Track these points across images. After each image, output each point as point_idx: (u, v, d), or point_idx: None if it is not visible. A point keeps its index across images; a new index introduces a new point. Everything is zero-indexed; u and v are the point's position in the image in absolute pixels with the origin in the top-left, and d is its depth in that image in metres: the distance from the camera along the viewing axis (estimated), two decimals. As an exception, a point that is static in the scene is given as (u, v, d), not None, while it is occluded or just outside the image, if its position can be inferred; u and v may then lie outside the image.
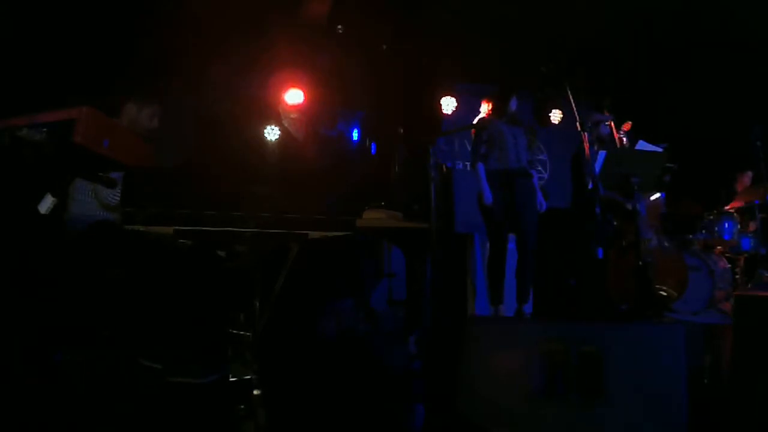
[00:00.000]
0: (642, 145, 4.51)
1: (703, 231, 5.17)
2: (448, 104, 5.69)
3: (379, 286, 5.02)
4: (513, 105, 4.27)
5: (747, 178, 5.71)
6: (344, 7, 5.19)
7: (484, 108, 4.33)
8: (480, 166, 4.13)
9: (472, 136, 4.33)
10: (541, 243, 4.15)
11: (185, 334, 2.90)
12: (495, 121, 4.25)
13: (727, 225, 5.08)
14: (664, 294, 4.52)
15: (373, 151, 5.59)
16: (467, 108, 5.78)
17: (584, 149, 3.79)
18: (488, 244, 5.05)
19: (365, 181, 5.22)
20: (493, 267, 4.15)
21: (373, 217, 3.70)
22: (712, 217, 5.16)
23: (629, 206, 3.93)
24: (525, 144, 4.27)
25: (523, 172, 4.18)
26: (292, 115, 5.18)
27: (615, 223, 4.63)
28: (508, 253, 4.18)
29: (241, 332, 2.68)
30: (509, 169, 4.12)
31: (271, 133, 4.96)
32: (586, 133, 3.69)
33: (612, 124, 4.81)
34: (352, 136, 5.68)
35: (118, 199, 2.94)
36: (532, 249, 4.07)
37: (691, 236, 5.18)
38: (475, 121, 4.32)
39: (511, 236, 4.24)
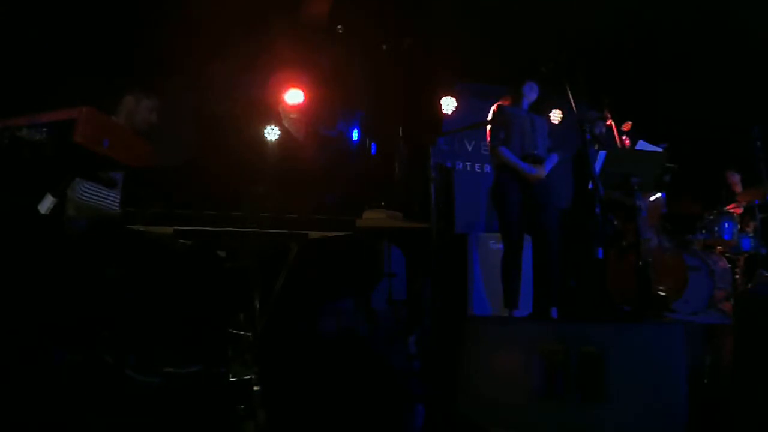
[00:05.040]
0: (642, 145, 4.51)
1: (703, 231, 5.18)
2: (448, 104, 5.68)
3: (379, 286, 5.01)
4: (530, 92, 4.15)
5: (736, 178, 5.73)
6: (344, 7, 5.19)
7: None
8: (503, 149, 4.01)
9: (487, 128, 4.18)
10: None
11: (185, 334, 2.90)
12: (512, 107, 4.15)
13: (727, 225, 5.09)
14: (664, 294, 4.53)
15: (373, 151, 5.59)
16: (467, 108, 5.78)
17: (585, 149, 3.79)
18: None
19: (365, 181, 5.22)
20: (507, 269, 3.98)
21: (373, 217, 3.69)
22: (712, 217, 5.17)
23: (630, 203, 3.88)
24: (545, 132, 4.17)
25: (538, 160, 4.06)
26: (292, 115, 5.17)
27: (615, 223, 4.63)
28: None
29: (241, 332, 2.68)
30: (529, 155, 4.01)
31: (271, 133, 4.95)
32: (587, 133, 3.68)
33: (612, 124, 4.80)
34: (352, 136, 5.67)
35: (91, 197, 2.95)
36: (556, 247, 3.95)
37: (691, 236, 5.20)
38: (493, 109, 4.20)
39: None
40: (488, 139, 4.16)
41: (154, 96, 3.41)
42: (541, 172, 4.01)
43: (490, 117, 4.18)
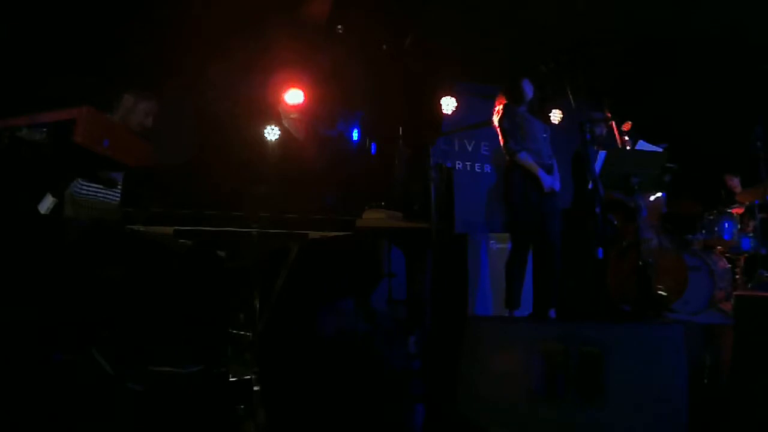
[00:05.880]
0: (642, 145, 4.51)
1: (703, 231, 5.18)
2: (448, 104, 5.68)
3: (379, 286, 5.01)
4: (529, 91, 4.11)
5: (735, 181, 5.73)
6: (344, 7, 5.19)
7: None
8: (525, 154, 3.96)
9: (497, 129, 4.12)
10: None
11: (186, 334, 2.90)
12: (519, 109, 4.11)
13: (727, 225, 5.09)
14: (664, 294, 4.53)
15: (373, 151, 5.59)
16: (467, 108, 5.78)
17: (585, 149, 3.79)
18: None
19: (365, 181, 5.21)
20: (515, 269, 4.02)
21: (373, 217, 3.69)
22: (712, 217, 5.17)
23: (632, 204, 3.90)
24: (549, 138, 4.18)
25: (551, 168, 4.09)
26: (292, 115, 5.17)
27: (615, 222, 4.63)
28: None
29: (241, 332, 2.68)
30: (545, 164, 4.02)
31: (271, 133, 4.95)
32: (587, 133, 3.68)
33: (613, 123, 4.80)
34: (352, 136, 5.67)
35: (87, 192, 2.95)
36: (559, 249, 4.00)
37: (691, 236, 5.20)
38: (496, 110, 4.16)
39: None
40: (502, 139, 4.10)
41: (154, 99, 3.41)
42: (556, 184, 4.06)
43: (500, 116, 4.12)
